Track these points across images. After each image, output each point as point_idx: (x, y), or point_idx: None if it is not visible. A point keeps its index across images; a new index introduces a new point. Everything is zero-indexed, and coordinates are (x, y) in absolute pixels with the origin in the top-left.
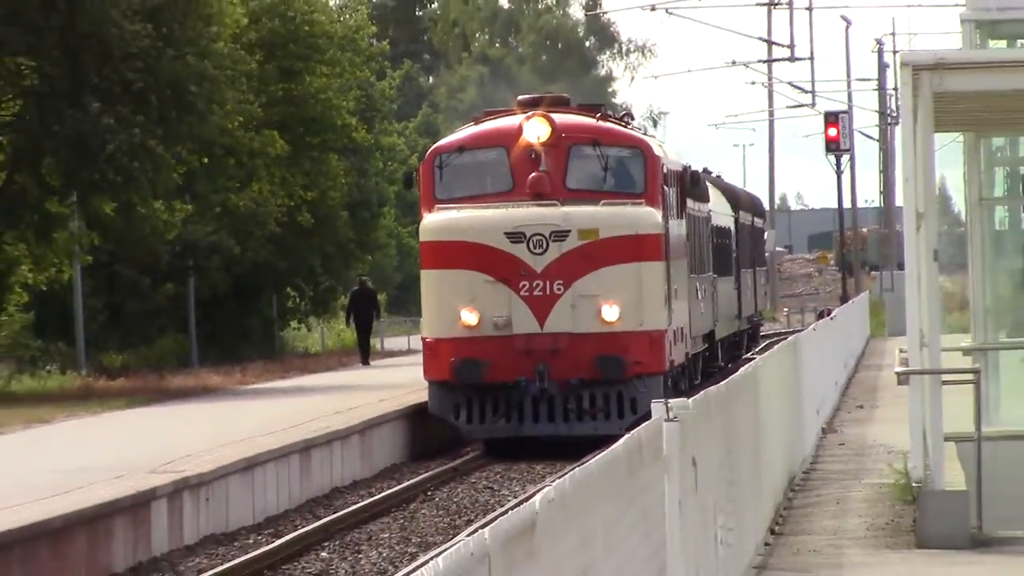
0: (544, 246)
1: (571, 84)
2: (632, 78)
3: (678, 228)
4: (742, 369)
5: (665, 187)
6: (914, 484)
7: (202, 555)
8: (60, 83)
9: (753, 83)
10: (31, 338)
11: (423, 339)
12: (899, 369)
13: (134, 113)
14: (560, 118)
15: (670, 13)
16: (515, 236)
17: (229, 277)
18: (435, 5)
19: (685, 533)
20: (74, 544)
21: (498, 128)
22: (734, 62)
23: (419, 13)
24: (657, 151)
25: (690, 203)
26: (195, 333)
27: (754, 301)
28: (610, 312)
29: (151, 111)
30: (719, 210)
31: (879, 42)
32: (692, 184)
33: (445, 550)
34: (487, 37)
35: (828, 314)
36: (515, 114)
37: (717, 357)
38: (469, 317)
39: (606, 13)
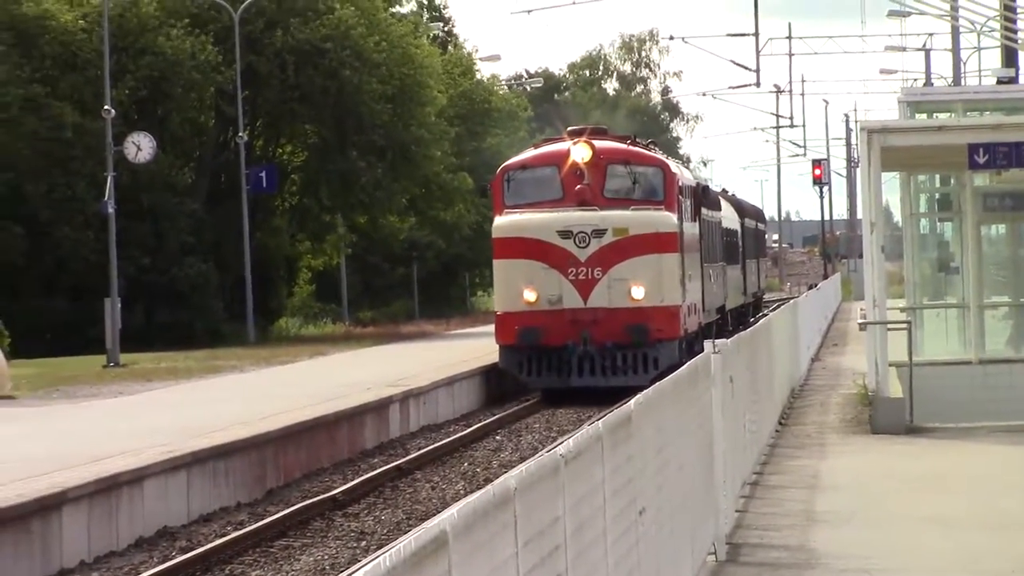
0: (587, 241)
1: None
2: (691, 137)
3: (692, 228)
4: (760, 321)
5: (680, 197)
6: (869, 393)
7: (420, 438)
8: (331, 141)
9: (767, 141)
10: (313, 302)
11: (495, 313)
12: (860, 321)
13: (378, 160)
14: (599, 143)
15: (715, 97)
16: (565, 233)
17: (438, 264)
18: (567, 93)
19: (724, 422)
20: (341, 431)
21: (552, 151)
22: (755, 128)
23: (556, 97)
24: (674, 169)
25: (704, 210)
26: (417, 298)
27: (757, 282)
28: (637, 291)
29: (388, 160)
30: (728, 216)
31: (847, 115)
32: (704, 196)
33: (575, 433)
34: (599, 112)
35: (815, 287)
36: (565, 140)
37: (728, 323)
38: (529, 295)
39: (675, 96)
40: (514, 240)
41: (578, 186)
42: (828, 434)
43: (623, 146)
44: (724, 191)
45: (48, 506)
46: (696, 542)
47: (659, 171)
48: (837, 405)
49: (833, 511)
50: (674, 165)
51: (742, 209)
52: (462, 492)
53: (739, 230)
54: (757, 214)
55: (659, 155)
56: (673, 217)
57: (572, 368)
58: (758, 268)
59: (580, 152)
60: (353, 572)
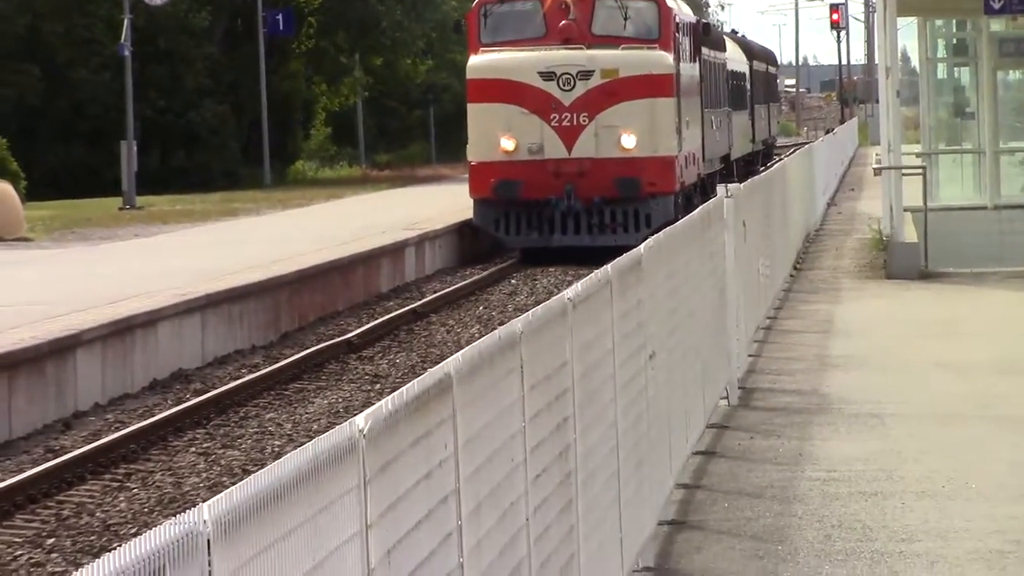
0: (572, 83)
1: None
2: None
3: (691, 70)
4: (775, 166)
5: (677, 35)
6: (884, 238)
7: (436, 282)
8: None
9: None
10: (329, 144)
11: (469, 163)
12: (875, 166)
13: (396, 2)
14: None
15: None
16: (547, 75)
17: (455, 106)
18: None
19: (737, 267)
20: (356, 275)
21: None
22: None
23: None
24: (670, 4)
25: (705, 51)
26: (434, 142)
27: (768, 129)
28: (628, 140)
29: (406, 2)
30: (735, 58)
31: None
32: (704, 34)
33: (585, 279)
34: None
35: (831, 131)
36: None
37: (733, 173)
38: (507, 143)
39: None
40: (490, 82)
41: (563, 22)
42: (843, 279)
43: None
44: (733, 32)
45: (62, 348)
46: (708, 386)
47: (653, 5)
48: (852, 250)
49: (846, 355)
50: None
51: (751, 50)
52: (477, 335)
53: (747, 73)
54: (768, 56)
55: None
56: (668, 57)
57: (555, 225)
58: (768, 114)
59: None
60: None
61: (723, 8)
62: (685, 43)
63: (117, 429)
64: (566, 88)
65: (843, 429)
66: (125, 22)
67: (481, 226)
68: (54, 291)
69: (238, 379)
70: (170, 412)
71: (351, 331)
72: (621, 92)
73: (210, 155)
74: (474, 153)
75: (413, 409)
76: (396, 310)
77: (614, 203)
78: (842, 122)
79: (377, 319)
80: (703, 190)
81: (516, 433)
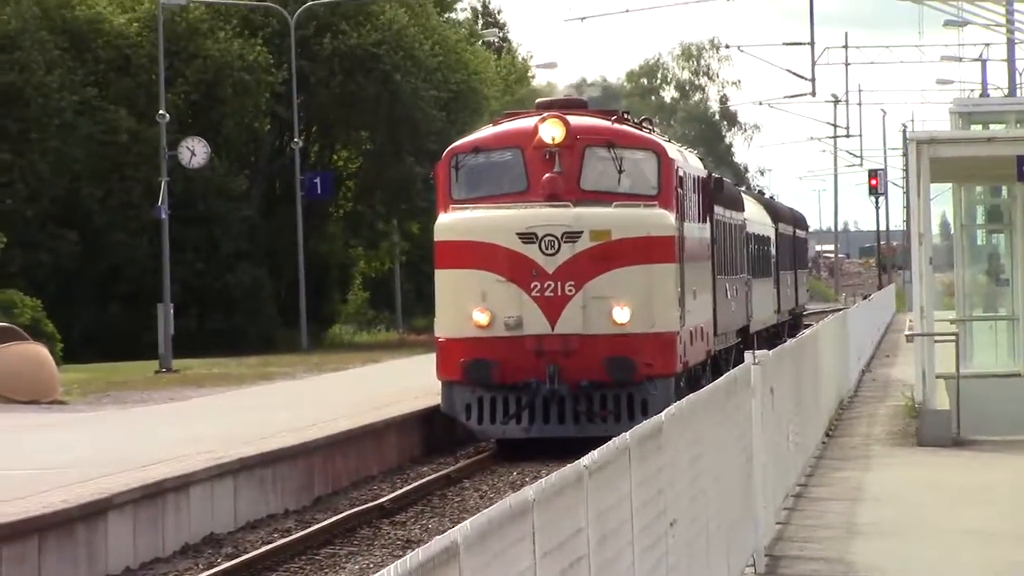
0: (556, 247)
1: (707, 150)
2: (748, 146)
3: (699, 232)
4: (807, 332)
5: (680, 190)
6: (916, 405)
7: (470, 446)
8: (386, 147)
9: (824, 151)
10: (367, 309)
11: (436, 339)
12: (907, 332)
13: (432, 167)
14: (575, 120)
15: (771, 107)
16: (527, 236)
17: None
18: (625, 101)
19: (764, 435)
20: (390, 439)
21: (514, 129)
22: (812, 137)
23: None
24: (673, 154)
25: (719, 210)
26: None
27: (795, 297)
28: (621, 314)
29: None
30: (756, 219)
31: (904, 125)
32: (717, 191)
33: (601, 448)
34: (656, 118)
35: (867, 297)
36: (532, 115)
37: (752, 348)
38: (480, 317)
39: (732, 105)
40: (461, 245)
41: (547, 175)
42: (874, 446)
43: (606, 123)
44: (760, 191)
45: (94, 512)
46: (733, 554)
47: (652, 156)
48: (885, 417)
49: (875, 523)
50: (673, 149)
51: (776, 211)
52: None
53: (772, 237)
54: (796, 218)
55: (655, 136)
56: (669, 216)
57: (536, 413)
58: (795, 281)
59: (550, 131)
60: None
61: (762, 174)
62: (692, 200)
63: None
64: (549, 252)
65: None
66: (162, 185)
67: (449, 413)
68: (86, 454)
69: (270, 543)
70: None
71: (384, 495)
72: (613, 257)
73: (247, 318)
74: (442, 328)
75: None
76: (430, 475)
77: (605, 387)
78: (880, 288)
79: (410, 484)
80: (715, 368)
81: None
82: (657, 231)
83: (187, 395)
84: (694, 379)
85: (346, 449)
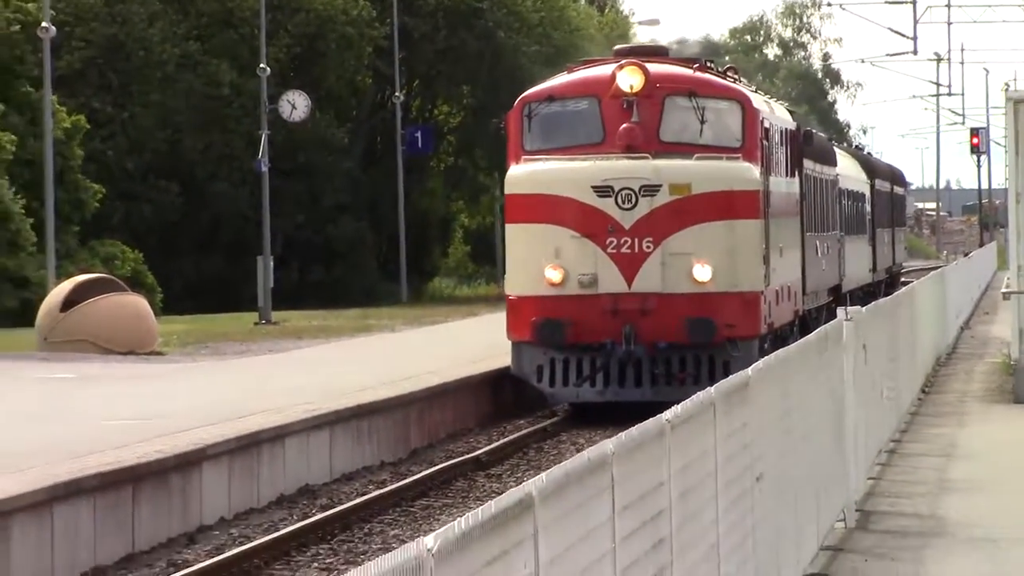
0: (633, 201)
1: (810, 107)
2: (852, 104)
3: (787, 186)
4: (904, 289)
5: (766, 143)
6: (1012, 362)
7: None
8: (487, 103)
9: (926, 109)
10: (467, 262)
11: (507, 297)
12: (1004, 290)
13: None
14: (655, 67)
15: (873, 65)
16: (603, 190)
17: None
18: (727, 58)
19: (857, 391)
20: (487, 392)
21: (590, 77)
22: (914, 96)
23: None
24: (758, 104)
25: (809, 164)
26: None
27: (891, 255)
28: (702, 272)
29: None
30: (850, 175)
31: (1007, 84)
32: (806, 144)
33: (685, 402)
34: (759, 76)
35: (967, 255)
36: (610, 63)
37: (845, 307)
38: (553, 274)
39: (834, 63)
40: (534, 198)
41: (624, 125)
42: (970, 403)
43: (688, 71)
44: (857, 147)
45: (189, 462)
46: (823, 509)
47: (736, 105)
48: (982, 374)
49: (967, 480)
50: (759, 99)
51: (872, 167)
52: None
53: (867, 193)
54: (893, 174)
55: (739, 85)
56: (754, 170)
57: (611, 375)
58: (892, 239)
59: (628, 79)
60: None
61: (864, 132)
62: (779, 153)
63: (241, 544)
64: (626, 207)
65: (959, 553)
66: (263, 138)
67: (520, 375)
68: (183, 405)
69: (364, 495)
70: (295, 527)
71: (480, 448)
72: (694, 212)
73: (348, 271)
74: (512, 285)
75: (489, 529)
76: (526, 428)
77: (684, 349)
78: (981, 245)
79: (507, 437)
80: (804, 328)
81: (606, 553)
82: (740, 185)
83: (286, 347)
84: (780, 340)
85: (443, 402)
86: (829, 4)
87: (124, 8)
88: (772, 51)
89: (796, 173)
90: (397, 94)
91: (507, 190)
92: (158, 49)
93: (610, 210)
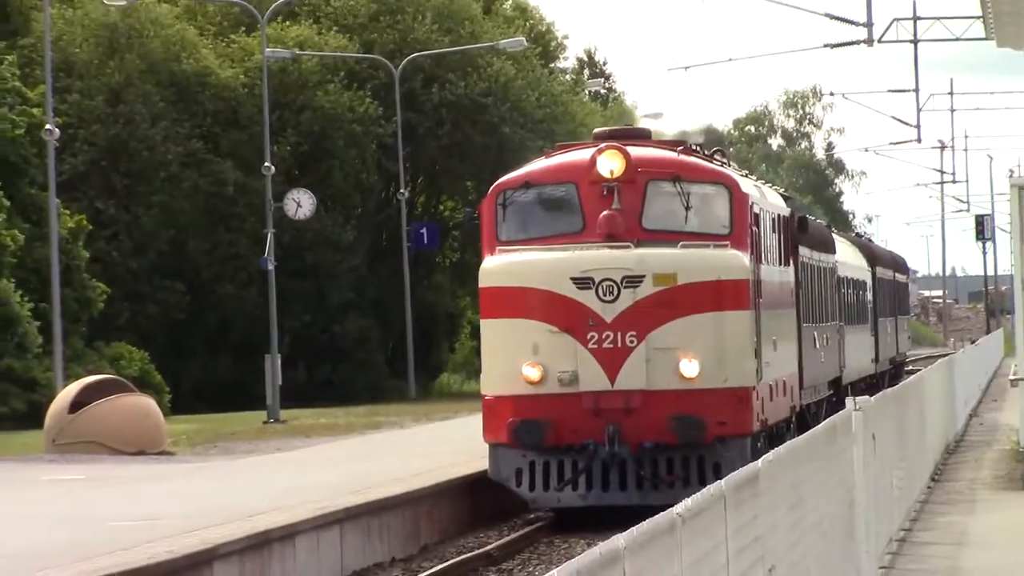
0: (615, 293)
1: (815, 197)
2: (856, 192)
3: (780, 275)
4: (912, 377)
5: (756, 229)
6: (1020, 449)
7: None
8: None
9: (931, 196)
10: (475, 358)
11: (483, 397)
12: (1012, 377)
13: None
14: (636, 151)
15: (877, 153)
16: (582, 282)
17: None
18: (732, 149)
19: (866, 480)
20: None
21: (568, 162)
22: (918, 183)
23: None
24: (747, 189)
25: (805, 251)
26: None
27: (895, 345)
28: (689, 367)
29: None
30: (850, 262)
31: (1011, 170)
32: (801, 231)
33: (695, 495)
34: (763, 167)
35: (974, 342)
36: (589, 147)
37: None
38: (531, 372)
39: (837, 152)
40: (509, 291)
41: (605, 212)
42: (980, 490)
43: (671, 155)
44: (859, 234)
45: (199, 562)
46: None
47: (723, 190)
48: (991, 461)
49: (979, 568)
50: (748, 183)
51: (873, 254)
52: None
53: (868, 281)
54: (895, 262)
55: (727, 168)
56: (743, 257)
57: (594, 478)
58: (896, 328)
59: (609, 163)
60: None
61: (869, 220)
62: (771, 240)
63: None
64: (608, 299)
65: None
66: (268, 236)
67: (498, 480)
68: (192, 505)
69: None
70: None
71: (491, 543)
72: (680, 304)
73: (355, 369)
74: (488, 384)
75: None
76: (538, 523)
77: (671, 450)
78: (987, 332)
79: (517, 531)
80: (802, 424)
81: None
82: (729, 274)
83: (295, 445)
84: (776, 438)
85: (453, 497)
86: (832, 94)
87: (127, 108)
88: (776, 142)
89: (791, 261)
90: (402, 191)
91: (481, 283)
92: (161, 148)
93: (590, 303)
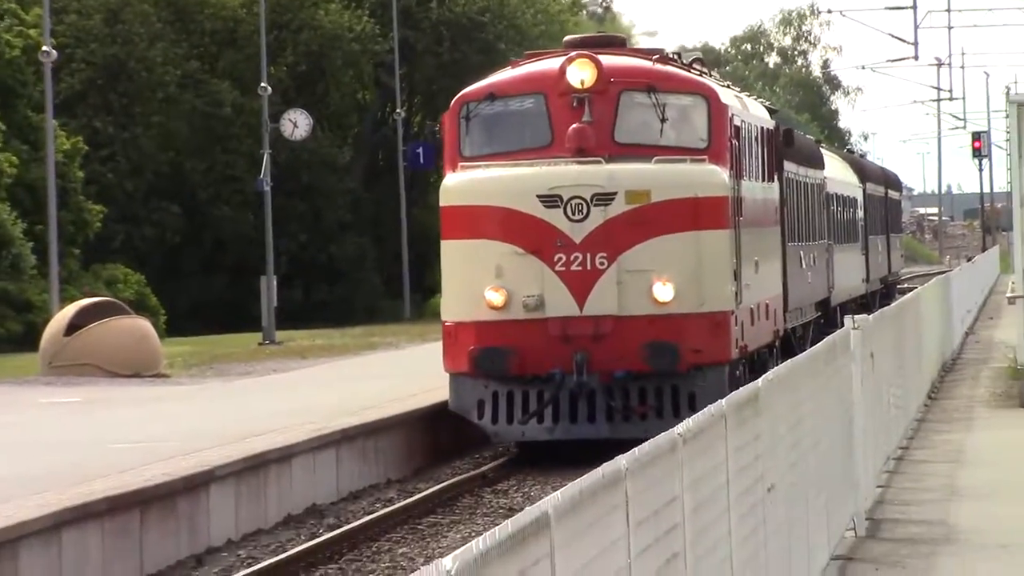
0: (585, 211)
1: (811, 115)
2: (852, 109)
3: (763, 191)
4: (908, 295)
5: (736, 142)
6: (1019, 366)
7: None
8: None
9: (928, 114)
10: None
11: (443, 323)
12: (1009, 294)
13: None
14: (609, 60)
15: (874, 71)
16: (550, 199)
17: None
18: (728, 67)
19: (865, 399)
20: None
21: (536, 72)
22: (915, 101)
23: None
24: (727, 99)
25: (791, 167)
26: None
27: (887, 264)
28: (663, 291)
29: None
30: (839, 178)
31: (1008, 87)
32: (787, 144)
33: (696, 415)
34: (760, 84)
35: (970, 260)
36: (559, 56)
37: (835, 322)
38: (494, 296)
39: (834, 70)
40: (472, 211)
41: (574, 125)
42: (976, 408)
43: (646, 64)
44: (850, 150)
45: (195, 484)
46: (834, 518)
47: (701, 101)
48: (987, 379)
49: (975, 486)
50: (728, 94)
51: (864, 170)
52: None
53: (859, 198)
54: (888, 178)
55: (706, 78)
56: (721, 173)
57: (561, 410)
58: (888, 246)
59: (579, 73)
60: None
61: (866, 138)
62: (753, 154)
63: (249, 565)
64: (577, 218)
65: (970, 560)
66: (265, 158)
67: (459, 411)
68: (188, 427)
69: (371, 514)
70: (303, 547)
71: (486, 464)
72: (654, 223)
73: (351, 289)
74: (449, 310)
75: (507, 548)
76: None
77: (644, 379)
78: (983, 250)
79: (512, 452)
80: (787, 348)
81: (621, 569)
82: (706, 191)
83: (290, 366)
84: (759, 364)
85: (447, 419)
86: (829, 12)
87: (125, 28)
88: (772, 59)
89: (775, 177)
90: (399, 110)
91: (442, 201)
92: (159, 69)
93: (558, 222)
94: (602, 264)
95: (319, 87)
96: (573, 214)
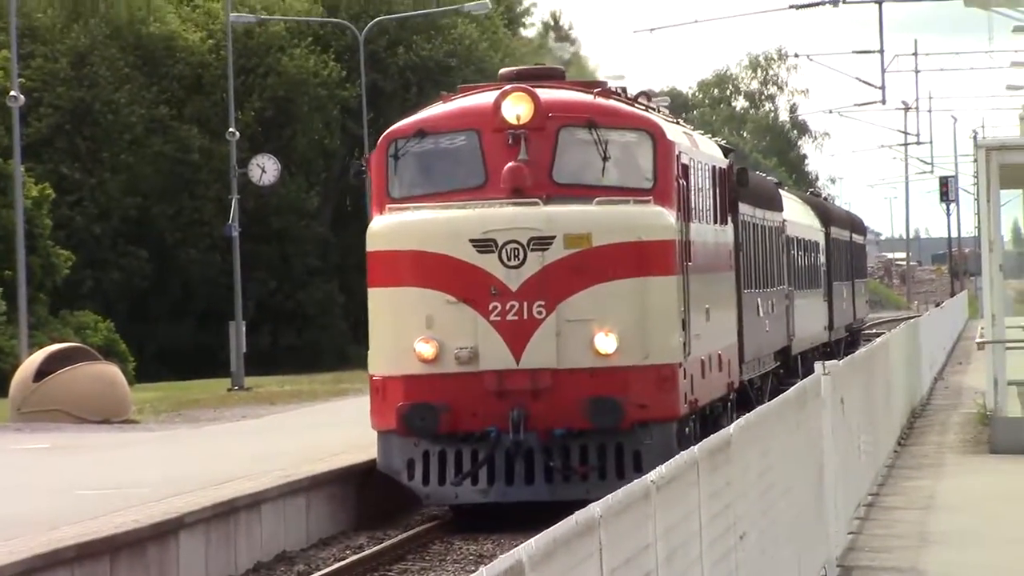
0: (521, 256)
1: (779, 159)
2: (820, 153)
3: (715, 235)
4: (877, 340)
5: (683, 181)
6: (988, 413)
7: None
8: None
9: (895, 158)
10: None
11: (370, 377)
12: (978, 340)
13: None
14: (546, 94)
15: (841, 115)
16: (483, 244)
17: None
18: (696, 112)
19: (835, 445)
20: None
21: (469, 107)
22: (882, 145)
23: (684, 116)
24: (673, 136)
25: (747, 209)
26: None
27: (852, 311)
28: (605, 342)
29: None
30: (800, 221)
31: (975, 132)
32: (740, 184)
33: (669, 462)
34: (726, 130)
35: (939, 304)
36: (493, 89)
37: (797, 372)
38: (425, 348)
39: (801, 115)
40: (400, 256)
41: (510, 164)
42: (946, 454)
43: (587, 98)
44: (813, 191)
45: (165, 531)
46: (805, 565)
47: (646, 138)
48: (957, 425)
49: (947, 532)
50: (676, 130)
51: (827, 213)
52: None
53: (821, 242)
54: (852, 222)
55: (651, 114)
56: (667, 215)
57: (497, 471)
58: (853, 293)
59: (514, 108)
60: None
61: (833, 182)
62: (704, 195)
63: None
64: (513, 264)
65: None
66: (233, 202)
67: (388, 472)
68: (158, 474)
69: (342, 560)
70: None
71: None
72: (595, 269)
73: (320, 335)
74: (376, 363)
75: None
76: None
77: (585, 437)
78: (952, 295)
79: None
80: (744, 402)
81: None
82: (651, 234)
83: (259, 413)
84: (711, 420)
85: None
86: (796, 56)
87: (92, 71)
88: (740, 104)
89: (728, 219)
90: (366, 154)
91: (368, 246)
92: (126, 111)
93: (493, 268)
94: (540, 313)
95: (286, 132)
96: (509, 259)
